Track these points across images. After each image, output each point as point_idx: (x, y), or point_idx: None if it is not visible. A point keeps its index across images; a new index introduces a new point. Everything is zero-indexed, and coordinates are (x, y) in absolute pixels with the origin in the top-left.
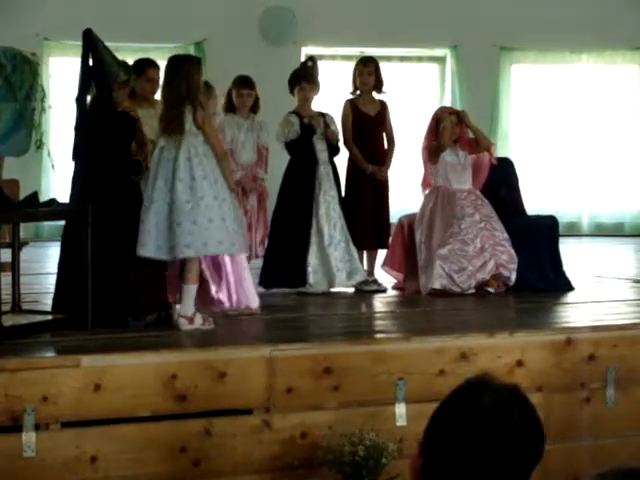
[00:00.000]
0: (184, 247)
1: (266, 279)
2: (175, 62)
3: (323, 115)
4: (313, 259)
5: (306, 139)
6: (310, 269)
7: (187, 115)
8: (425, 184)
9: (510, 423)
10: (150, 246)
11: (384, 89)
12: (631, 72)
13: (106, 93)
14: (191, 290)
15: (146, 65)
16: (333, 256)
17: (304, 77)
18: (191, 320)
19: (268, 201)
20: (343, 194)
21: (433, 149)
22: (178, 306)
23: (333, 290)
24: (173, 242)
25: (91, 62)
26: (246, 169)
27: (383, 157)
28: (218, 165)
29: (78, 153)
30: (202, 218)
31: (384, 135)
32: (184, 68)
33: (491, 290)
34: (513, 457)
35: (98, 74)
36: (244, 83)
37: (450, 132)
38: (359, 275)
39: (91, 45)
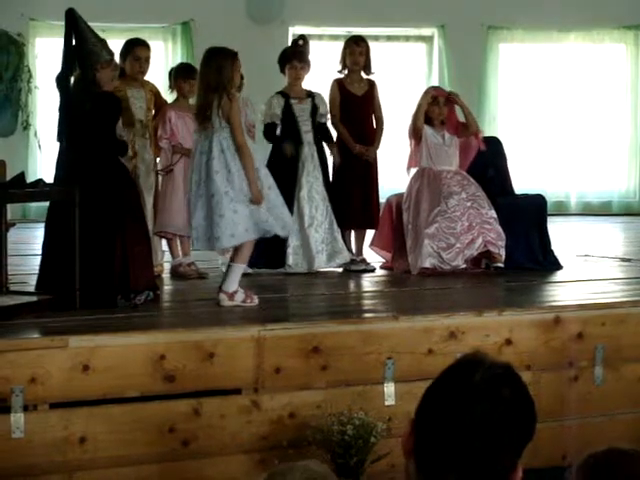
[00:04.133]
0: (229, 237)
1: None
2: (208, 54)
3: (313, 95)
4: (293, 240)
5: (290, 121)
6: (290, 250)
7: (215, 107)
8: (409, 164)
9: (501, 400)
10: (195, 238)
11: (372, 69)
12: (619, 51)
13: (89, 73)
14: (238, 269)
15: (133, 44)
16: (313, 238)
17: (295, 55)
18: (231, 296)
19: None
20: (330, 175)
21: (411, 129)
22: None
23: (322, 270)
24: (214, 234)
25: (74, 42)
26: None
27: (371, 137)
28: (239, 157)
29: (62, 134)
30: (241, 207)
31: (372, 115)
32: (216, 60)
33: (500, 265)
34: (505, 435)
35: (81, 54)
36: None
37: (437, 112)
38: (340, 258)
39: (74, 25)
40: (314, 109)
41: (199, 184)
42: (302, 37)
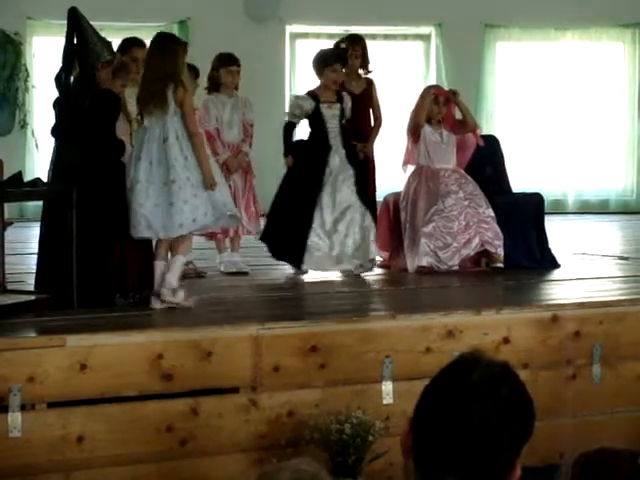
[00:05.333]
0: (191, 222)
1: (268, 248)
2: (162, 40)
3: (341, 97)
4: (312, 240)
5: (318, 125)
6: (307, 250)
7: (170, 94)
8: (406, 160)
9: (499, 399)
10: (145, 226)
11: (370, 68)
12: (616, 49)
13: (89, 72)
14: (180, 261)
15: (131, 44)
16: (332, 242)
17: (339, 58)
18: (174, 292)
19: (255, 179)
20: None
21: (411, 127)
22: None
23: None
24: (173, 221)
25: (75, 40)
26: (233, 147)
27: (369, 135)
28: (191, 144)
29: (57, 130)
30: (200, 192)
31: (370, 113)
32: (170, 46)
33: (500, 265)
34: (503, 433)
35: (82, 53)
36: (233, 60)
37: (436, 111)
38: (360, 259)
39: (76, 23)
40: (342, 113)
41: (150, 171)
42: (344, 40)
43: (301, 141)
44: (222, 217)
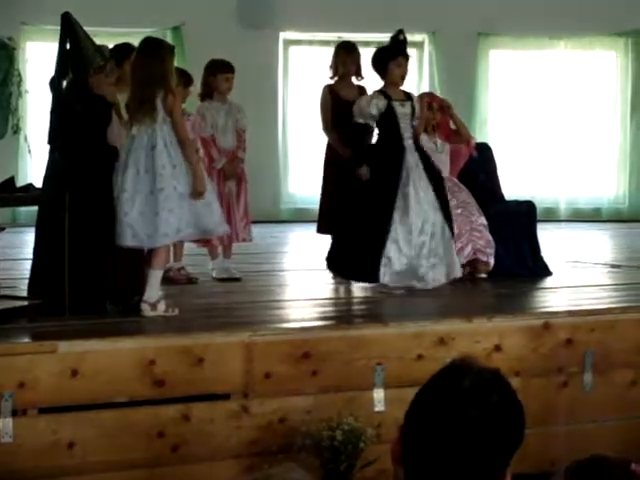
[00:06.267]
0: (176, 231)
1: (333, 265)
2: (148, 45)
3: (411, 98)
4: (391, 253)
5: (391, 126)
6: (384, 264)
7: (159, 101)
8: None
9: (490, 406)
10: (130, 236)
11: (363, 75)
12: (609, 58)
13: (82, 77)
14: (157, 275)
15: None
16: (418, 252)
17: (401, 51)
18: (154, 306)
19: (247, 184)
20: (321, 179)
21: None
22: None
23: (311, 275)
24: (158, 230)
25: (68, 46)
26: (228, 154)
27: None
28: (182, 152)
29: (53, 137)
30: (186, 203)
31: None
32: (157, 51)
33: (483, 275)
34: (493, 440)
35: (75, 58)
36: (229, 67)
37: (431, 117)
38: (454, 272)
39: (69, 29)
40: (413, 113)
41: (137, 180)
42: (401, 31)
43: (370, 146)
44: (205, 229)
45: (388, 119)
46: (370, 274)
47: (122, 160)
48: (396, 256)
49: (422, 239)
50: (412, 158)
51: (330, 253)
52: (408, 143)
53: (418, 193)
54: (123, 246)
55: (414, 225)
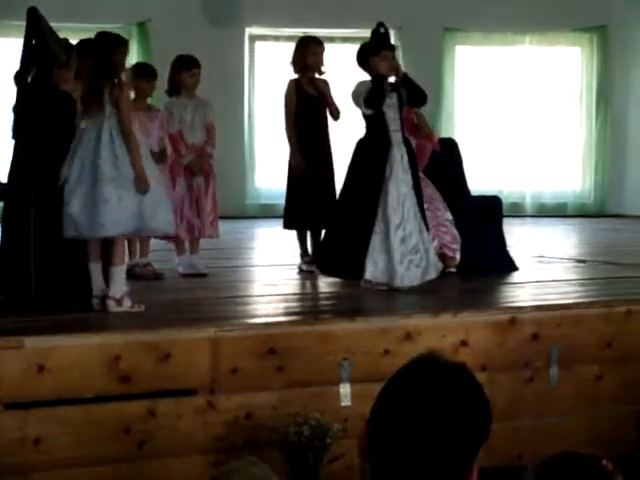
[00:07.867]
0: (114, 224)
1: (322, 263)
2: (100, 39)
3: (397, 88)
4: (375, 250)
5: (378, 119)
6: (369, 261)
7: (107, 94)
8: None
9: (456, 401)
10: (71, 226)
11: (323, 69)
12: (573, 54)
13: (47, 72)
14: (120, 271)
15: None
16: (399, 249)
17: (385, 44)
18: (119, 302)
19: (216, 180)
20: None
21: None
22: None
23: (279, 270)
24: (96, 221)
25: (34, 41)
26: (197, 150)
27: (326, 137)
28: (125, 144)
29: (17, 132)
30: (127, 195)
31: (327, 114)
32: (107, 45)
33: (453, 270)
34: (459, 435)
35: (41, 53)
36: (195, 62)
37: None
38: (433, 271)
39: (36, 23)
40: (401, 102)
41: (82, 171)
42: (382, 24)
43: (358, 141)
44: (148, 228)
45: (375, 113)
46: (355, 271)
47: (70, 152)
48: (379, 252)
49: (403, 236)
50: (398, 152)
51: (320, 252)
52: (395, 136)
53: (401, 188)
54: (66, 237)
55: (394, 222)
